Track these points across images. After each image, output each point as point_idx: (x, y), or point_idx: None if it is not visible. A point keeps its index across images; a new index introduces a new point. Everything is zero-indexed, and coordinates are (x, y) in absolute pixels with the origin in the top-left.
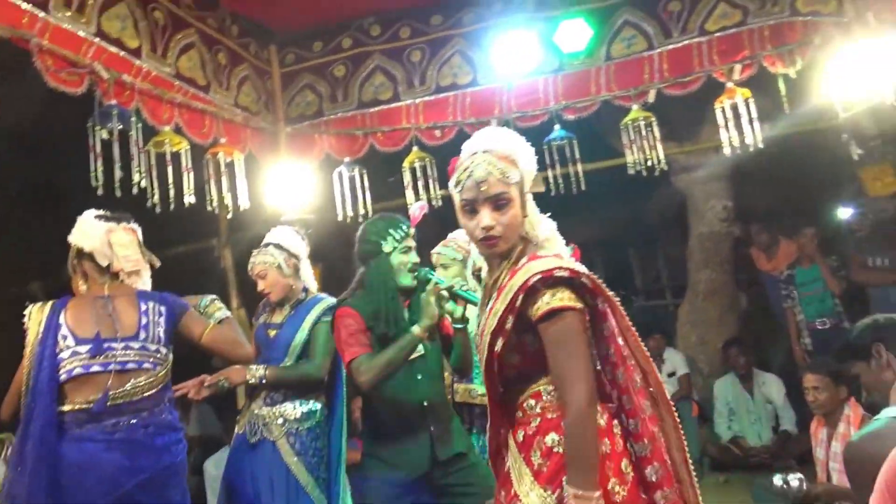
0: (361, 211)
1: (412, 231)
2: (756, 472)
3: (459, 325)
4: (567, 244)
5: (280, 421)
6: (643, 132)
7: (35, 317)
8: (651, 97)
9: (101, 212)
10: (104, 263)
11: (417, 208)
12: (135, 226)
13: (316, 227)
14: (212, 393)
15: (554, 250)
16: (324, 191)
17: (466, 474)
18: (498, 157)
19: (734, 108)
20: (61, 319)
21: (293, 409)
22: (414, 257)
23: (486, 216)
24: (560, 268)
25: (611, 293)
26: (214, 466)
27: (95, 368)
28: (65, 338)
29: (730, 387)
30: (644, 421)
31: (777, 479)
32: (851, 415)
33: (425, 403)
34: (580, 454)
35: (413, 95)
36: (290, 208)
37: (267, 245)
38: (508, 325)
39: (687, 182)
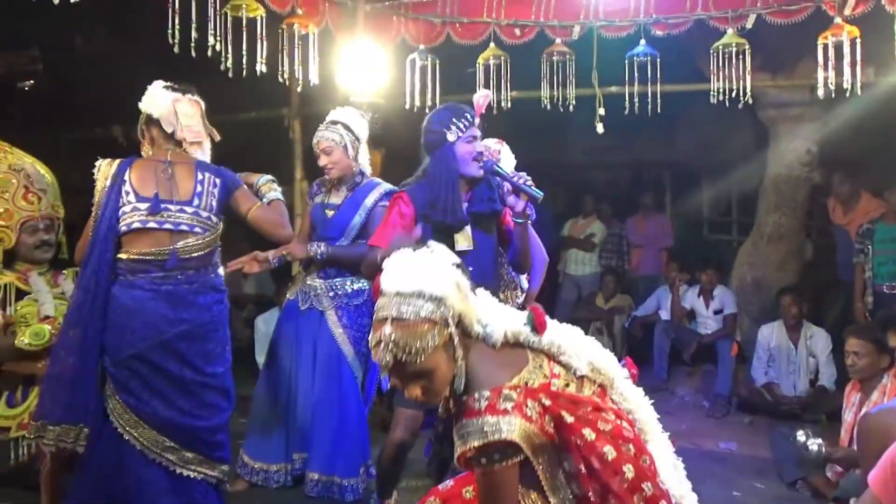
0: (429, 101)
1: (477, 120)
2: (783, 421)
3: (520, 220)
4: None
5: (331, 294)
6: (734, 60)
7: (103, 171)
8: (750, 22)
9: (170, 83)
10: (169, 130)
11: (482, 97)
12: (199, 99)
13: (383, 111)
14: (268, 268)
15: None
16: (395, 76)
17: None
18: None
19: (838, 46)
20: (126, 176)
21: (345, 284)
22: (479, 147)
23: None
24: (484, 445)
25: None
26: (264, 324)
27: (151, 225)
28: (127, 193)
29: (775, 334)
30: None
31: (800, 435)
32: (889, 385)
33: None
34: None
35: None
36: (360, 89)
37: (336, 123)
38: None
39: (773, 118)
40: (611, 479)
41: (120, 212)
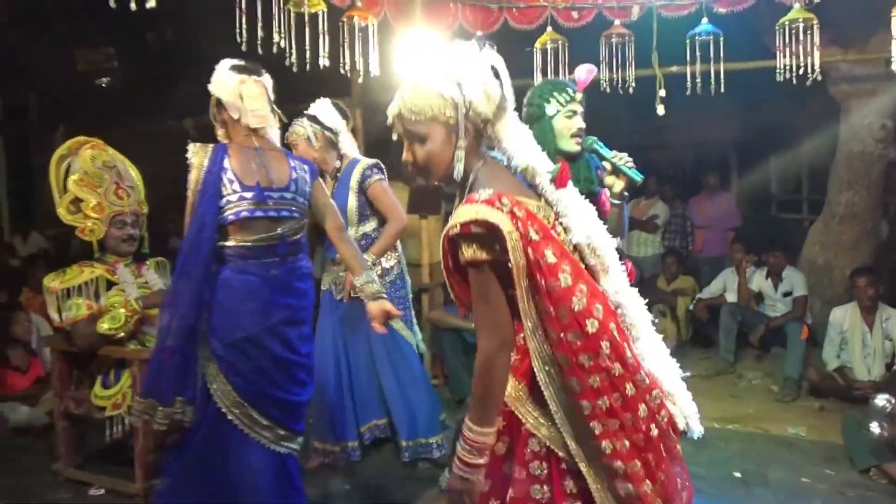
0: None
1: (579, 96)
2: (856, 406)
3: (617, 202)
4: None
5: None
6: (801, 35)
7: (199, 156)
8: None
9: (237, 62)
10: (235, 116)
11: (585, 71)
12: (266, 79)
13: None
14: None
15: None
16: None
17: None
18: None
19: None
20: (226, 164)
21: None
22: (579, 122)
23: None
24: (470, 222)
25: (545, 248)
26: None
27: (258, 214)
28: (231, 181)
29: (848, 316)
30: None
31: (880, 400)
32: None
33: None
34: (481, 395)
35: None
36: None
37: (301, 117)
38: (450, 265)
39: (846, 93)
40: (572, 324)
41: (224, 200)
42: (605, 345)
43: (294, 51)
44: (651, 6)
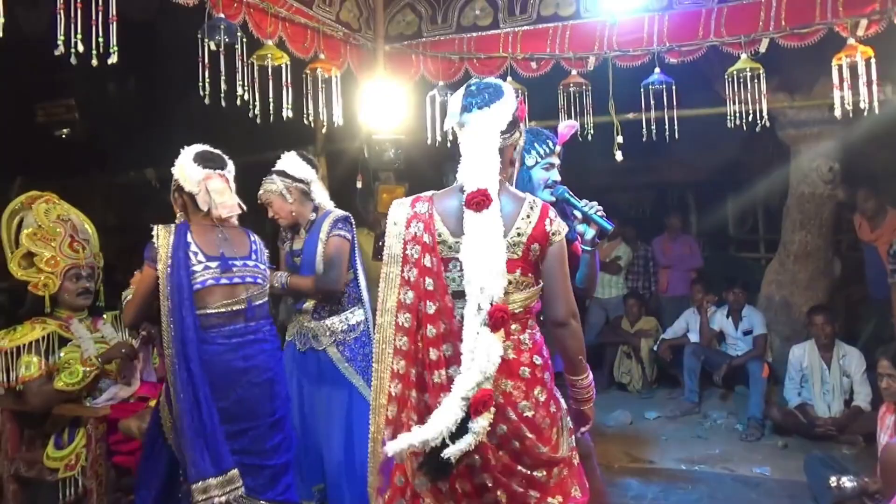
0: (450, 137)
1: (558, 149)
2: (818, 443)
3: (589, 248)
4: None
5: (328, 333)
6: (749, 84)
7: (163, 236)
8: (763, 47)
9: (201, 150)
10: (205, 209)
11: (566, 127)
12: (228, 171)
13: (405, 147)
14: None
15: None
16: (415, 113)
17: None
18: None
19: (853, 67)
20: (189, 239)
21: (339, 322)
22: (555, 175)
23: None
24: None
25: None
26: None
27: (223, 281)
28: (196, 254)
29: (807, 354)
30: None
31: (832, 480)
32: None
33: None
34: (578, 351)
35: (513, 23)
36: (382, 126)
37: (271, 173)
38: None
39: (793, 137)
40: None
41: (191, 269)
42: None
43: (258, 102)
44: (606, 57)
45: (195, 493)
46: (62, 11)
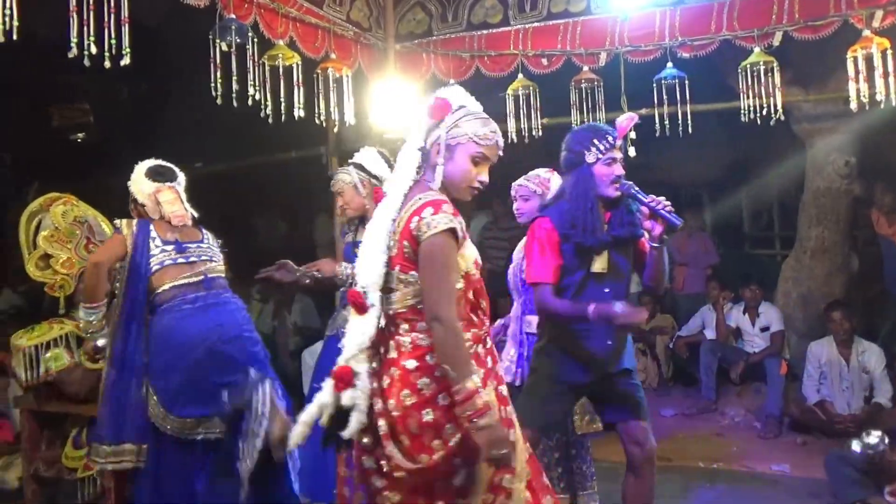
0: None
1: (619, 143)
2: (838, 440)
3: (657, 245)
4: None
5: None
6: (762, 78)
7: (128, 225)
8: (777, 40)
9: (153, 164)
10: (155, 217)
11: (626, 119)
12: (178, 183)
13: None
14: (300, 279)
15: None
16: None
17: (631, 389)
18: None
19: (868, 59)
20: (150, 228)
21: None
22: (618, 169)
23: (485, 175)
24: None
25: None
26: (310, 356)
27: (180, 260)
28: (153, 239)
29: (825, 350)
30: None
31: (855, 444)
32: None
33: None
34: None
35: (523, 20)
36: (393, 126)
37: (349, 164)
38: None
39: (808, 131)
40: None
41: (150, 254)
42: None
43: (269, 102)
44: (617, 52)
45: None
46: (75, 14)
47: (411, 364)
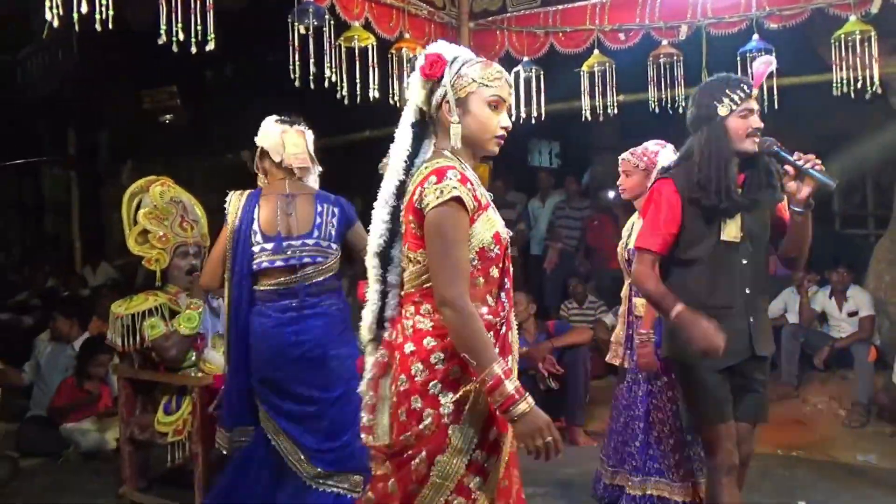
0: (534, 112)
1: (755, 92)
2: None
3: (800, 210)
4: None
5: None
6: (858, 48)
7: (234, 204)
8: (876, 7)
9: (281, 116)
10: (277, 159)
11: (762, 64)
12: (305, 128)
13: None
14: None
15: None
16: None
17: (752, 384)
18: None
19: None
20: (255, 214)
21: None
22: (756, 121)
23: (506, 118)
24: None
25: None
26: None
27: (278, 263)
28: (255, 233)
29: None
30: None
31: None
32: None
33: (747, 291)
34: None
35: None
36: None
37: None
38: None
39: None
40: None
41: (251, 250)
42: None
43: (345, 84)
44: (700, 25)
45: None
46: (164, 3)
47: (409, 348)
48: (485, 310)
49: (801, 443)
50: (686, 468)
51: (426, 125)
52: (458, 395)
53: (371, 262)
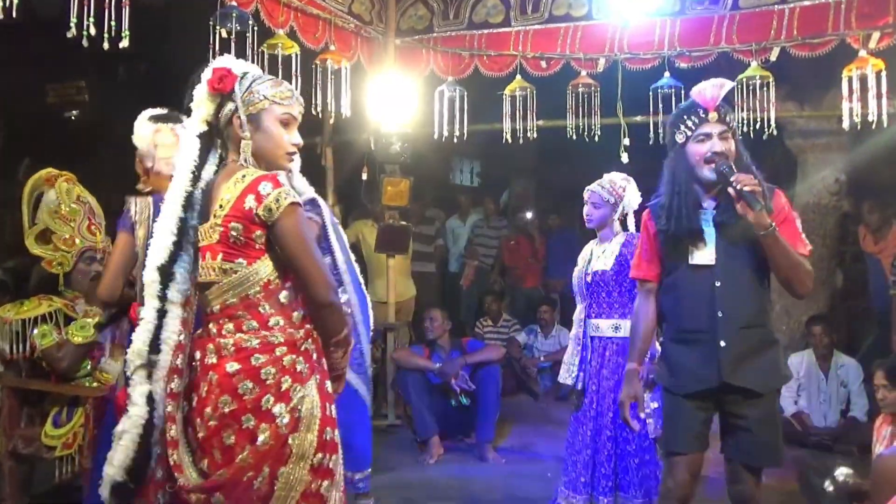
0: (457, 131)
1: (713, 115)
2: (812, 453)
3: (762, 232)
4: None
5: None
6: (758, 92)
7: (144, 210)
8: (774, 55)
9: (156, 112)
10: (149, 165)
11: (713, 87)
12: (181, 128)
13: (412, 141)
14: None
15: None
16: (424, 107)
17: (748, 424)
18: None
19: (863, 79)
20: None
21: None
22: (715, 145)
23: (297, 136)
24: None
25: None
26: None
27: None
28: None
29: (805, 363)
30: None
31: (827, 484)
32: None
33: (720, 314)
34: None
35: (525, 22)
36: (390, 120)
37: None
38: None
39: (801, 147)
40: None
41: None
42: None
43: None
44: (616, 59)
45: None
46: None
47: (231, 367)
48: (307, 320)
49: None
50: (646, 486)
51: (212, 137)
52: (292, 404)
53: (151, 277)
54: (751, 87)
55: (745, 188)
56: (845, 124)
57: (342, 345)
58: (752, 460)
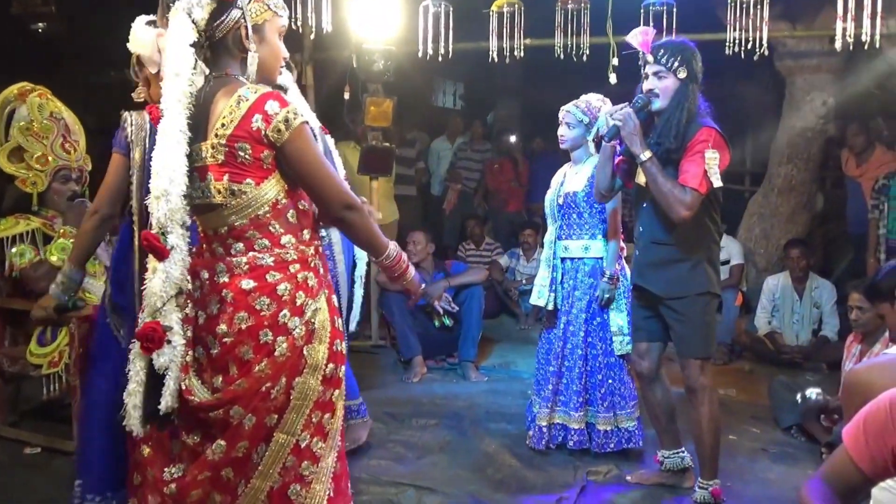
0: (441, 49)
1: (649, 57)
2: (784, 369)
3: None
4: None
5: None
6: (752, 9)
7: (140, 127)
8: None
9: (152, 17)
10: (154, 70)
11: (638, 34)
12: None
13: (396, 59)
14: None
15: None
16: (408, 23)
17: (672, 318)
18: None
19: None
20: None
21: None
22: (647, 83)
23: (285, 49)
24: None
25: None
26: None
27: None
28: None
29: (780, 284)
30: None
31: (798, 397)
32: (890, 337)
33: (640, 228)
34: None
35: None
36: (373, 36)
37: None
38: None
39: (790, 68)
40: None
41: None
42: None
43: None
44: None
45: None
46: None
47: (247, 284)
48: (314, 238)
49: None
50: (610, 401)
51: (200, 47)
52: (306, 317)
53: (177, 204)
54: (744, 6)
55: (615, 120)
56: (838, 45)
57: (383, 263)
58: (681, 351)
